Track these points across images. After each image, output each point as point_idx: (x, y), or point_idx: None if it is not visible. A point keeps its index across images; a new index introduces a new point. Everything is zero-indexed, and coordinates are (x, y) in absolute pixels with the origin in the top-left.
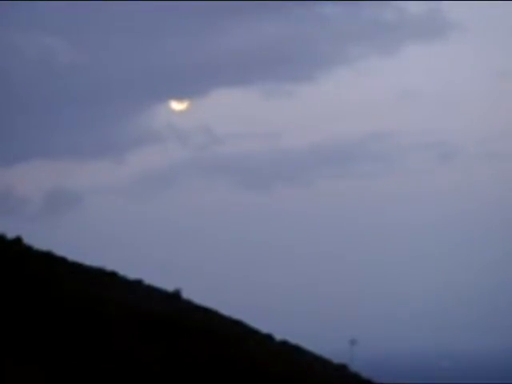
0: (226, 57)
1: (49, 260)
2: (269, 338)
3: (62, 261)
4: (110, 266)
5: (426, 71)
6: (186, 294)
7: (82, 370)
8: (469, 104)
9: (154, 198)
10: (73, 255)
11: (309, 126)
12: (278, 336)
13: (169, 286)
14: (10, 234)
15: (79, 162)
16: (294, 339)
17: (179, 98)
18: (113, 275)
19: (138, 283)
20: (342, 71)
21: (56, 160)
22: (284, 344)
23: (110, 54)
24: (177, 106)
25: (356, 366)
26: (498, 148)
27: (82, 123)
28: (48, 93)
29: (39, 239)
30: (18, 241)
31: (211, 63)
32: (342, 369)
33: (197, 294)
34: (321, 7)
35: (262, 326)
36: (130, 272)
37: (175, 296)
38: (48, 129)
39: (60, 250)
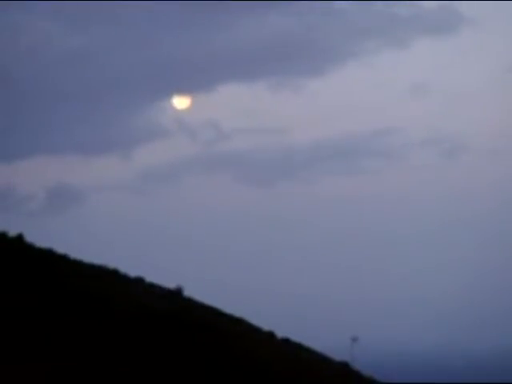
0: (234, 51)
1: (50, 257)
2: (270, 335)
3: (64, 258)
4: (111, 263)
5: (438, 66)
6: (188, 292)
7: (83, 368)
8: (481, 99)
9: (159, 195)
10: (75, 253)
11: (317, 121)
12: (280, 333)
13: (170, 283)
14: (12, 231)
15: (82, 158)
16: (295, 337)
17: (185, 92)
18: (114, 273)
19: (139, 281)
20: (352, 65)
21: (59, 156)
22: (286, 342)
23: (115, 48)
24: (182, 101)
25: (358, 364)
26: (508, 145)
27: (86, 118)
28: (51, 87)
29: (41, 236)
30: (19, 238)
31: (218, 57)
32: (343, 366)
33: (199, 291)
34: (332, 0)
35: (264, 323)
36: (131, 269)
37: (177, 293)
38: (51, 124)
39: (62, 248)
